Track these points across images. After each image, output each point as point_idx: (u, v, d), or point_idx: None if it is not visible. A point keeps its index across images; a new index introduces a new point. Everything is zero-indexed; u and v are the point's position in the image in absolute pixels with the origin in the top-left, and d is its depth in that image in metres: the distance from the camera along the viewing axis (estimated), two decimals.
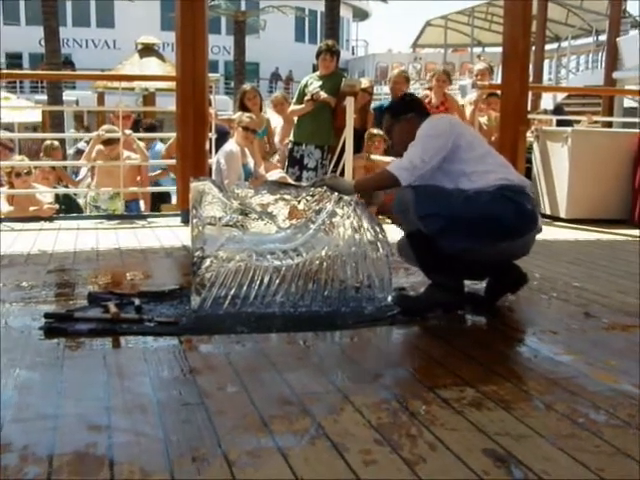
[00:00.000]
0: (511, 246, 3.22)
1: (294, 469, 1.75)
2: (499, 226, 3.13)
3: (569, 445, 1.92)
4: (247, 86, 7.24)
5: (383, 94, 16.24)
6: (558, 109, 10.88)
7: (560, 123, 8.13)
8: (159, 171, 7.92)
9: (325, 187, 3.39)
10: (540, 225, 3.31)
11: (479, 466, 1.79)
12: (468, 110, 7.05)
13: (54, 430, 1.96)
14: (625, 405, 2.23)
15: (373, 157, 6.29)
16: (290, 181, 5.72)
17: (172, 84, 6.91)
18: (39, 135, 14.40)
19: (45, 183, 7.11)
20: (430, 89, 7.05)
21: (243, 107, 6.72)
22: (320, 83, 6.24)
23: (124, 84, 11.00)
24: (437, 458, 1.84)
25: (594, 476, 1.76)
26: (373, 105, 6.90)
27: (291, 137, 6.53)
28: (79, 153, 8.44)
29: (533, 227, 3.24)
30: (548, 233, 5.52)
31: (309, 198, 3.41)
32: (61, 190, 7.39)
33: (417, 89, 17.38)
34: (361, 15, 46.08)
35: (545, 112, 9.07)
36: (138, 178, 7.22)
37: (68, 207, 7.16)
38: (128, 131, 6.96)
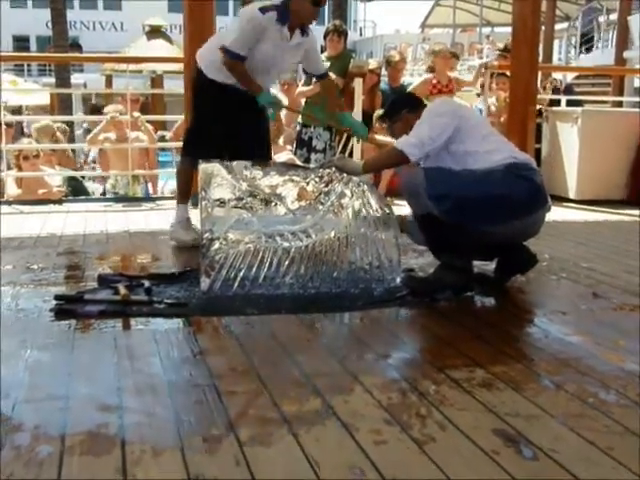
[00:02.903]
0: (524, 224, 3.22)
1: (304, 449, 1.76)
2: (512, 204, 3.13)
3: (579, 425, 1.93)
4: None
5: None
6: (568, 89, 10.78)
7: (570, 103, 8.06)
8: None
9: (334, 168, 3.39)
10: (550, 203, 3.31)
11: (489, 446, 1.79)
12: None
13: (65, 410, 1.98)
14: (634, 385, 2.23)
15: (378, 137, 6.25)
16: (298, 163, 5.70)
17: (180, 66, 6.89)
18: (47, 117, 14.40)
19: (48, 166, 7.12)
20: (432, 69, 7.00)
21: None
22: (328, 64, 6.20)
23: (132, 67, 10.98)
24: (447, 438, 1.85)
25: (603, 455, 1.76)
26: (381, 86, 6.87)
27: (299, 119, 6.50)
28: (88, 132, 8.45)
29: (544, 203, 3.25)
30: (557, 214, 5.49)
31: (318, 179, 3.41)
32: (69, 173, 7.39)
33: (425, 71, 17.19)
34: None
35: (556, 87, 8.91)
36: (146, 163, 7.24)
37: (75, 190, 7.16)
38: (136, 113, 6.96)
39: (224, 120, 4.14)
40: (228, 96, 4.11)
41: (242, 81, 4.07)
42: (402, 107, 3.53)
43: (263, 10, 3.97)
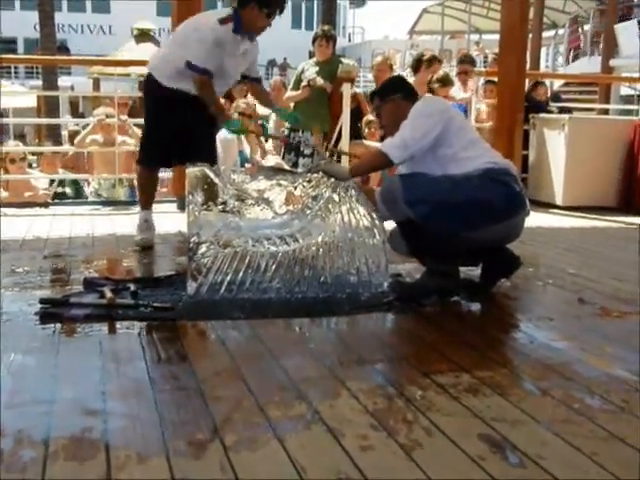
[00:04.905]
0: (503, 228, 3.23)
1: (290, 454, 1.76)
2: (490, 209, 3.14)
3: (564, 430, 1.93)
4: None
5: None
6: (555, 97, 10.86)
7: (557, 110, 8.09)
8: None
9: (321, 173, 3.39)
10: (528, 208, 3.32)
11: (475, 451, 1.79)
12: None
13: (49, 414, 1.97)
14: (619, 390, 2.24)
15: (367, 143, 6.28)
16: (286, 167, 5.70)
17: None
18: (33, 120, 14.34)
19: (50, 169, 7.11)
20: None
21: (229, 95, 6.67)
22: (317, 69, 6.21)
23: (120, 70, 10.92)
24: (433, 443, 1.85)
25: (589, 460, 1.77)
26: (361, 90, 6.85)
27: (287, 124, 6.50)
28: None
29: (523, 208, 3.26)
30: (544, 220, 5.54)
31: (305, 184, 3.41)
32: (54, 176, 7.35)
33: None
34: (358, 2, 45.83)
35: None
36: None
37: (77, 193, 7.16)
38: (124, 117, 6.93)
39: (176, 126, 4.20)
40: (181, 102, 4.15)
41: (211, 100, 4.12)
42: (397, 90, 3.47)
43: (222, 22, 4.03)
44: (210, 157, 4.18)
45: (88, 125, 7.22)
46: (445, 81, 6.66)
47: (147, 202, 4.54)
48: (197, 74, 4.03)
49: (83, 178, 7.41)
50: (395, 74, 6.28)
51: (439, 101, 3.59)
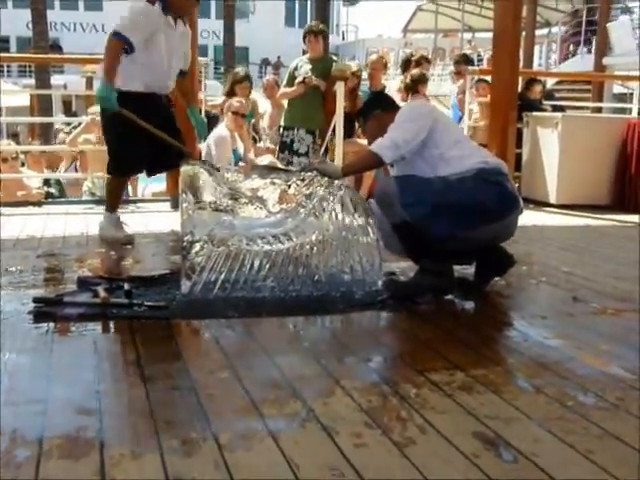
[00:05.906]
0: (497, 228, 3.24)
1: (285, 452, 1.76)
2: (484, 209, 3.16)
3: (558, 427, 1.93)
4: (241, 71, 7.13)
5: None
6: (549, 95, 10.88)
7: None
8: None
9: (314, 171, 3.40)
10: (522, 206, 3.33)
11: (469, 449, 1.80)
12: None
13: (44, 414, 1.96)
14: (613, 388, 2.24)
15: (360, 141, 6.27)
16: (280, 166, 5.69)
17: None
18: (27, 119, 14.30)
19: (36, 167, 7.08)
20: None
21: (232, 92, 6.67)
22: (310, 66, 6.19)
23: None
24: (427, 441, 1.85)
25: (583, 458, 1.77)
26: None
27: (281, 122, 6.50)
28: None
29: (517, 207, 3.28)
30: (537, 218, 5.55)
31: (299, 182, 3.41)
32: (47, 175, 7.33)
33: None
34: (351, 0, 45.82)
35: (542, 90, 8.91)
36: None
37: (60, 193, 7.13)
38: None
39: (142, 131, 4.18)
40: (143, 103, 4.18)
41: (107, 62, 4.04)
42: (375, 107, 3.58)
43: (149, 1, 4.12)
44: (181, 154, 4.12)
45: (79, 124, 7.18)
46: (420, 80, 6.71)
47: (115, 206, 4.56)
48: (114, 38, 4.04)
49: (77, 176, 7.40)
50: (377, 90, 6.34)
51: (424, 104, 3.73)
